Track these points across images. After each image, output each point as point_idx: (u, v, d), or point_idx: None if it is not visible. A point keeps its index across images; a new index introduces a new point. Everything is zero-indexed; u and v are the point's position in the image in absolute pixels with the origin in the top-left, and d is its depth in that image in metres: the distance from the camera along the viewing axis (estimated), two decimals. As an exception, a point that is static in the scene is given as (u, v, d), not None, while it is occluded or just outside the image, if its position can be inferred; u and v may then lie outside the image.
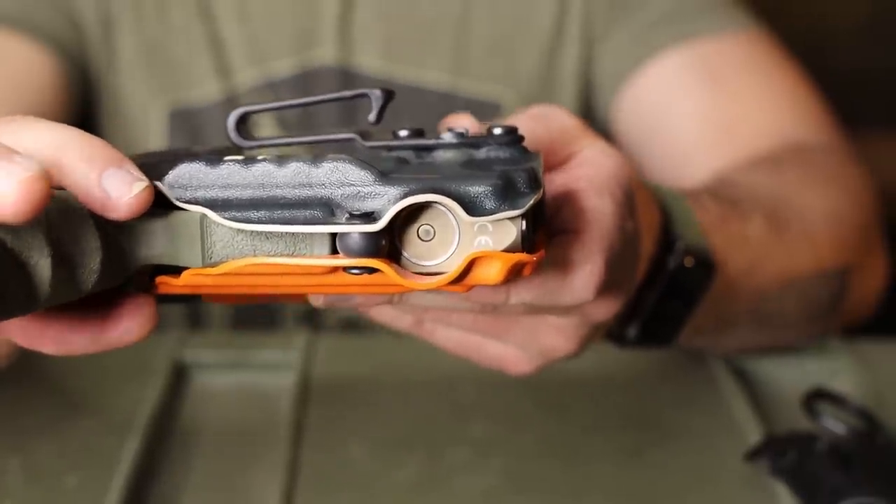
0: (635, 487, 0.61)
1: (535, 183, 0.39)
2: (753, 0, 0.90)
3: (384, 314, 0.50)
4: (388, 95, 0.43)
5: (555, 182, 0.47)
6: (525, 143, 0.43)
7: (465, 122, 0.48)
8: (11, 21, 0.83)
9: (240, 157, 0.40)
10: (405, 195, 0.38)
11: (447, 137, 0.43)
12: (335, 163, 0.39)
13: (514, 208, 0.38)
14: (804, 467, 0.59)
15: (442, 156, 0.42)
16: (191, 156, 0.42)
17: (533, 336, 0.49)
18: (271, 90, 0.87)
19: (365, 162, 0.39)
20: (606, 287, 0.47)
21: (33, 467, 0.62)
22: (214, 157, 0.40)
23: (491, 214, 0.38)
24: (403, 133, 0.43)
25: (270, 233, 0.39)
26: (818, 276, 0.69)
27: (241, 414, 0.67)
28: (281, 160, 0.39)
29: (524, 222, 0.39)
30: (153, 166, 0.40)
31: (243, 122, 0.44)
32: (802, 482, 0.58)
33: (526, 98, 0.89)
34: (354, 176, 0.39)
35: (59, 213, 0.37)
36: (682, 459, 0.64)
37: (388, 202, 0.38)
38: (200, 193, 0.39)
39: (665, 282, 0.56)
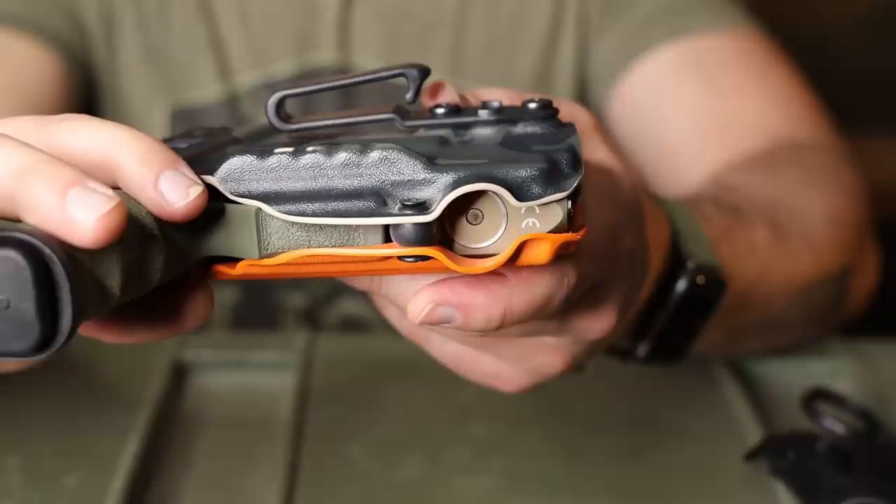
0: (635, 487, 0.61)
1: (577, 163, 0.40)
2: (753, -1, 0.91)
3: (391, 314, 0.49)
4: (425, 74, 0.43)
5: None
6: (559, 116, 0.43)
7: (497, 95, 0.47)
8: (14, 21, 0.83)
9: (289, 149, 0.40)
10: (456, 184, 0.38)
11: (483, 114, 0.43)
12: (384, 152, 0.39)
13: (559, 191, 0.39)
14: (804, 467, 0.59)
15: (480, 133, 0.43)
16: (235, 143, 0.43)
17: (527, 354, 0.48)
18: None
19: (413, 150, 0.39)
20: (598, 303, 0.46)
21: (33, 467, 0.62)
22: (263, 148, 0.40)
23: (538, 199, 0.39)
24: (440, 111, 0.43)
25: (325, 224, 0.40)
26: (821, 279, 0.69)
27: (241, 414, 0.67)
28: (330, 149, 0.40)
29: (569, 202, 0.39)
30: (199, 158, 0.41)
31: (282, 106, 0.44)
32: (802, 482, 0.58)
33: None
34: (404, 164, 0.39)
35: (128, 222, 0.37)
36: (682, 459, 0.64)
37: (439, 191, 0.39)
38: (253, 186, 0.40)
39: (677, 301, 0.56)
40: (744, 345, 0.70)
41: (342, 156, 0.39)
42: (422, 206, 0.38)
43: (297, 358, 0.71)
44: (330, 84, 0.44)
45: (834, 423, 0.60)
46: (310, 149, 0.40)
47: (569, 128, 0.43)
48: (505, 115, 0.43)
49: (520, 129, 0.42)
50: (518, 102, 0.45)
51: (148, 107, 0.87)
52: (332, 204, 0.39)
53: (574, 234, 0.40)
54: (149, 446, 0.62)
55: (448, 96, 0.45)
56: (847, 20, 1.83)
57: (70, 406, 0.67)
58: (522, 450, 0.64)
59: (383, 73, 0.44)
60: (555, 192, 0.39)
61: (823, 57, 1.08)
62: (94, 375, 0.71)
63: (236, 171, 0.40)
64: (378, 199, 0.39)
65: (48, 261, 0.35)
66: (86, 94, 0.87)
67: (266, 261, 0.40)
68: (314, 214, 0.39)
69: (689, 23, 0.86)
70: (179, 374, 0.70)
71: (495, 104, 0.43)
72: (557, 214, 0.39)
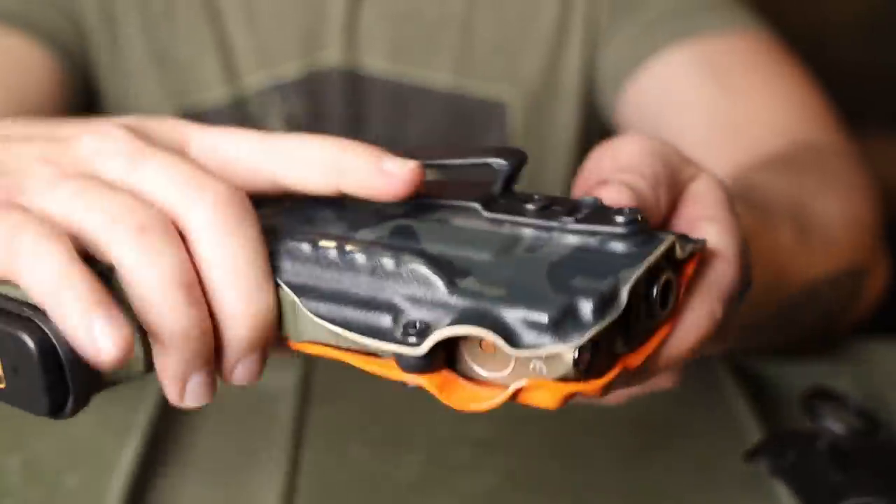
0: (636, 487, 0.61)
1: (605, 308, 0.37)
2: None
3: None
4: (517, 165, 0.42)
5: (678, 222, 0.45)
6: (651, 224, 0.40)
7: (608, 192, 0.43)
8: (8, 18, 0.83)
9: (333, 244, 0.40)
10: (455, 320, 0.37)
11: (569, 221, 0.40)
12: (411, 266, 0.39)
13: (562, 341, 0.36)
14: (804, 467, 0.59)
15: (557, 241, 0.40)
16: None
17: None
18: (279, 92, 0.87)
19: (439, 269, 0.39)
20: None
21: (33, 467, 0.62)
22: (317, 237, 0.41)
23: (535, 349, 0.36)
24: (531, 207, 0.41)
25: None
26: (836, 277, 0.69)
27: (242, 414, 0.67)
28: (368, 251, 0.40)
29: (577, 352, 0.36)
30: (289, 218, 0.43)
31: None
32: (802, 482, 0.58)
33: (531, 97, 0.89)
34: (427, 281, 0.39)
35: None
36: (682, 459, 0.64)
37: (448, 317, 0.38)
38: (291, 274, 0.41)
39: None
40: (753, 341, 0.70)
41: (375, 262, 0.39)
42: (424, 331, 0.38)
43: (297, 358, 0.71)
44: (443, 161, 0.44)
45: (834, 423, 0.60)
46: (349, 248, 0.40)
47: (648, 249, 0.39)
48: (592, 222, 0.40)
49: (594, 243, 0.40)
50: (650, 192, 0.43)
51: (153, 110, 0.87)
52: (352, 312, 0.39)
53: (586, 385, 0.37)
54: (149, 446, 0.62)
55: (615, 193, 0.42)
56: (849, 18, 1.83)
57: (70, 406, 0.67)
58: (522, 450, 0.64)
59: (472, 160, 0.43)
60: (556, 343, 0.36)
61: (825, 55, 1.08)
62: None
63: (287, 254, 0.41)
64: (392, 314, 0.39)
65: (56, 346, 0.37)
66: (84, 95, 0.87)
67: (301, 346, 0.41)
68: (332, 321, 0.39)
69: (698, 24, 0.85)
70: (180, 374, 0.70)
71: (590, 203, 0.41)
72: (564, 363, 0.37)
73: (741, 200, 0.64)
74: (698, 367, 0.71)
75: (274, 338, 0.41)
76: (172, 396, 0.40)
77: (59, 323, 0.37)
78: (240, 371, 0.41)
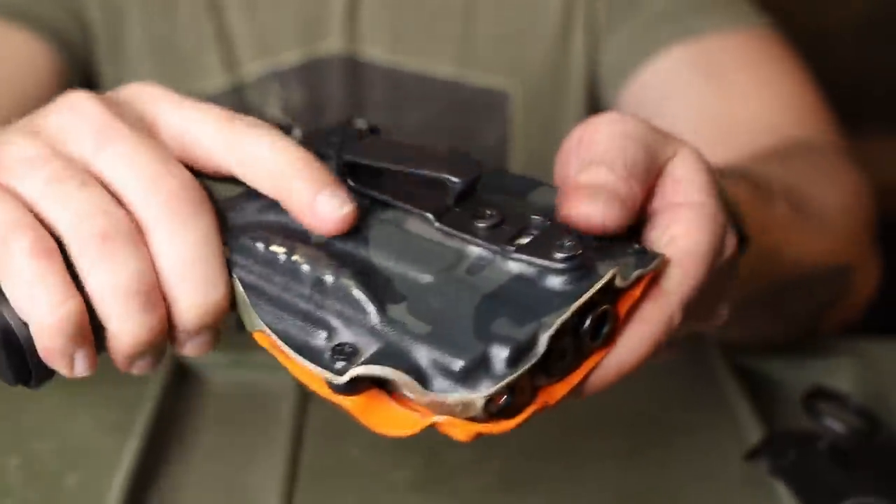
0: (635, 487, 0.61)
1: (522, 357, 0.37)
2: (754, -4, 0.90)
3: None
4: (470, 182, 0.42)
5: (657, 204, 0.45)
6: (591, 262, 0.39)
7: (567, 209, 0.42)
8: (9, 12, 0.83)
9: (283, 249, 0.42)
10: (372, 357, 0.39)
11: (510, 251, 0.40)
12: (348, 289, 0.40)
13: (471, 391, 0.37)
14: (804, 467, 0.59)
15: (497, 266, 0.40)
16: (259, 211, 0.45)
17: None
18: (278, 80, 0.87)
19: (373, 295, 0.40)
20: (708, 307, 0.46)
21: (33, 467, 0.62)
22: (271, 237, 0.42)
23: (444, 394, 0.38)
24: (482, 224, 0.41)
25: None
26: (828, 268, 0.69)
27: (242, 414, 0.67)
28: (313, 263, 0.41)
29: (486, 399, 0.37)
30: (242, 204, 0.44)
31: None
32: (802, 482, 0.58)
33: (534, 88, 0.89)
34: (360, 307, 0.40)
35: None
36: (682, 458, 0.64)
37: (373, 343, 0.39)
38: (247, 271, 0.42)
39: None
40: (745, 324, 0.69)
41: (318, 276, 0.41)
42: (351, 356, 0.39)
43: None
44: (379, 163, 0.44)
45: (834, 423, 0.60)
46: (295, 258, 0.41)
47: (583, 286, 0.39)
48: (533, 252, 0.40)
49: (532, 273, 0.40)
50: (626, 189, 0.42)
51: None
52: (292, 323, 0.41)
53: (495, 427, 0.39)
54: (149, 446, 0.62)
55: (579, 208, 0.41)
56: (848, 19, 1.83)
57: (70, 406, 0.67)
58: (522, 450, 0.64)
59: (427, 173, 0.43)
60: (465, 392, 0.37)
61: (824, 56, 1.08)
62: (93, 375, 0.71)
63: (242, 251, 0.42)
64: (328, 331, 0.40)
65: (15, 330, 0.40)
66: (86, 87, 0.86)
67: (254, 335, 0.42)
68: (276, 330, 0.41)
69: (698, 23, 0.85)
70: (179, 374, 0.70)
71: (538, 224, 0.41)
72: (474, 408, 0.38)
73: (735, 176, 0.64)
74: (698, 365, 0.71)
75: (226, 320, 0.42)
76: (119, 367, 0.42)
77: (38, 346, 0.40)
78: (190, 348, 0.43)
